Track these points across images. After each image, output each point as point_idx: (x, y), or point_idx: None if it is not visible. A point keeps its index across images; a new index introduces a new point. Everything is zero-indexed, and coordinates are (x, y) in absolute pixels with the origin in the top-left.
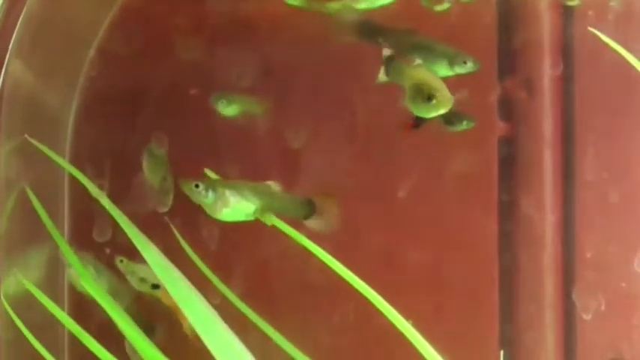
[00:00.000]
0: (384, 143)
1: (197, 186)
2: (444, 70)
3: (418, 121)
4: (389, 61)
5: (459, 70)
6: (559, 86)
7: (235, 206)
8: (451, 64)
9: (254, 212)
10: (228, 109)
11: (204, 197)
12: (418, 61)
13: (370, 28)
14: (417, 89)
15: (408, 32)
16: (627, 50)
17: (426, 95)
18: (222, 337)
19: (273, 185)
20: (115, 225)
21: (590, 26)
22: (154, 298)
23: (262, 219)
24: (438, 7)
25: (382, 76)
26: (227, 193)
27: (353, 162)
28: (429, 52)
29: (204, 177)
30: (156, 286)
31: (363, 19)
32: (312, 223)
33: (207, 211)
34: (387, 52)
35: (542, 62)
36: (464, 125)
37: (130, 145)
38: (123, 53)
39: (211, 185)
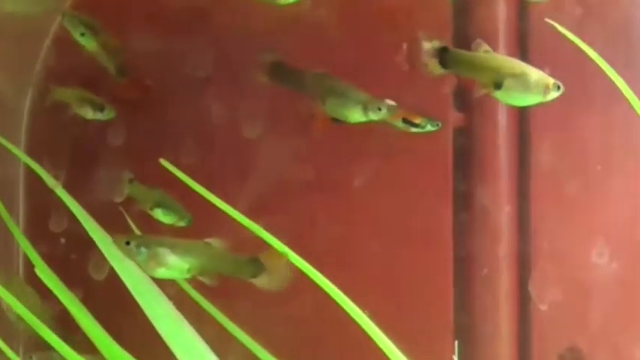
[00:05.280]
0: (339, 134)
1: (128, 243)
2: (357, 116)
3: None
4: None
5: (373, 116)
6: None
7: (169, 264)
8: (365, 109)
9: (188, 271)
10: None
11: (137, 255)
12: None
13: (283, 69)
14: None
15: (321, 75)
16: (584, 41)
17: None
18: (177, 328)
19: (214, 243)
20: (71, 215)
21: (547, 17)
22: None
23: (202, 278)
24: None
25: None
26: (160, 250)
27: (308, 152)
28: (342, 96)
29: (162, 167)
30: None
31: (276, 61)
32: (260, 282)
33: (141, 268)
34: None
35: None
36: (429, 127)
37: (87, 136)
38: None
39: (144, 242)
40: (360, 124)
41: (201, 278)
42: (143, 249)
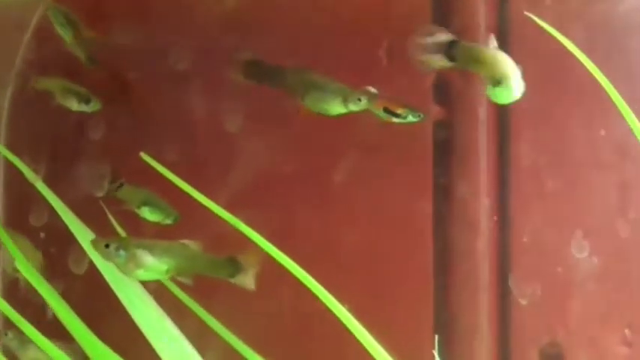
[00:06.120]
0: (319, 126)
1: (107, 246)
2: (338, 108)
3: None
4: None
5: (354, 107)
6: None
7: (148, 266)
8: (345, 101)
9: (166, 272)
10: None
11: (116, 257)
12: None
13: (259, 67)
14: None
15: (298, 71)
16: (564, 34)
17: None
18: (158, 322)
19: (191, 244)
20: (52, 210)
21: (526, 10)
22: None
23: (180, 279)
24: None
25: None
26: (138, 252)
27: (289, 145)
28: (322, 90)
29: (143, 162)
30: None
31: (251, 59)
32: (237, 281)
33: (120, 271)
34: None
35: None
36: (411, 118)
37: (68, 130)
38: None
39: (122, 245)
40: (341, 115)
41: (179, 279)
42: (122, 251)
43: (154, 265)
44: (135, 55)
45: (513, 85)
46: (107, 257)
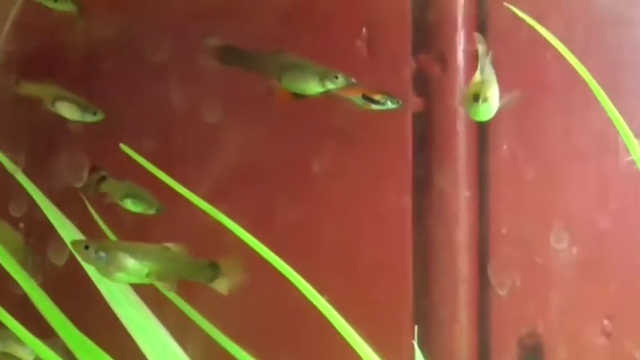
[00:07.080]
0: (298, 118)
1: (87, 247)
2: (315, 87)
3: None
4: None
5: (330, 85)
6: (474, 62)
7: (128, 269)
8: (322, 80)
9: (147, 275)
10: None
11: (96, 259)
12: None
13: (233, 52)
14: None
15: (274, 53)
16: (543, 26)
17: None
18: (137, 313)
19: (173, 247)
20: (31, 201)
21: (506, 1)
22: None
23: (161, 283)
24: None
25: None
26: (119, 255)
27: (268, 137)
28: (299, 69)
29: (122, 153)
30: None
31: (225, 44)
32: (217, 285)
33: (100, 273)
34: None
35: (457, 37)
36: (389, 104)
37: (47, 121)
38: (40, 28)
39: (103, 247)
40: (319, 95)
41: (160, 284)
42: (102, 253)
43: (135, 267)
44: (111, 45)
45: (493, 105)
46: (87, 259)
